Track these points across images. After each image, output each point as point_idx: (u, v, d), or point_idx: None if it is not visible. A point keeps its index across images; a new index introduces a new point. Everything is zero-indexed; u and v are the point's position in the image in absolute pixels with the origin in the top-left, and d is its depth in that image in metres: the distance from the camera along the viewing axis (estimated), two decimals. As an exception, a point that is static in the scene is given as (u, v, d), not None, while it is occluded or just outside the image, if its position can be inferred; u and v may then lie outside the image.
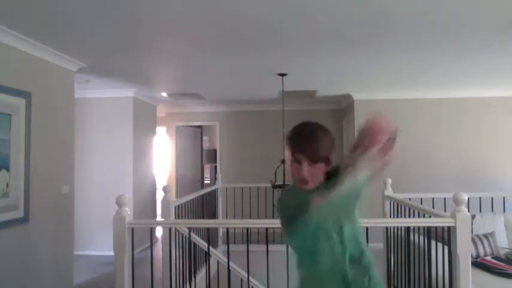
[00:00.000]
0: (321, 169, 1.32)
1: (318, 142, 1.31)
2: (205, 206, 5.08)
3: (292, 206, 1.36)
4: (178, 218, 3.74)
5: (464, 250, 2.38)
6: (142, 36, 3.32)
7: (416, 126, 6.04)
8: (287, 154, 1.39)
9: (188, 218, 4.09)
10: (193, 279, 3.60)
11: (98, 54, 3.87)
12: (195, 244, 3.57)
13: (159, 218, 6.37)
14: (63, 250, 3.89)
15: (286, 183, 4.50)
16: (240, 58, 4.03)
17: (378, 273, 1.42)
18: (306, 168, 1.31)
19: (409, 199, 3.60)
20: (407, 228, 2.87)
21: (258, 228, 3.46)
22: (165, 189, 3.59)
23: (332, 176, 1.34)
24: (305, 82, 5.32)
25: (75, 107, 4.28)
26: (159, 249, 4.11)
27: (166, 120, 7.90)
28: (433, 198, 3.95)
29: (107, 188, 5.44)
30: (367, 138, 1.12)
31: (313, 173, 1.32)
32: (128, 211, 2.50)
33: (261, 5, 2.63)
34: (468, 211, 2.43)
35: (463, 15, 2.84)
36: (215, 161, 8.03)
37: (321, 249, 1.34)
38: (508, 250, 3.92)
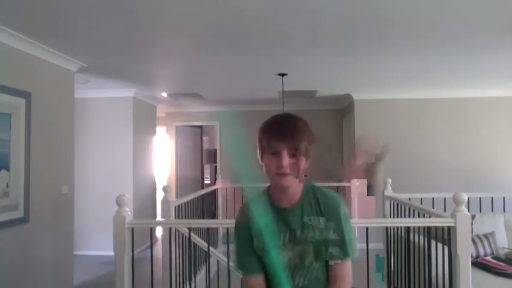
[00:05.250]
0: (301, 163, 1.19)
1: (300, 132, 1.20)
2: (205, 206, 5.07)
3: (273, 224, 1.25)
4: (178, 218, 3.74)
5: (464, 250, 2.37)
6: (143, 36, 3.32)
7: (416, 126, 6.04)
8: (260, 147, 1.24)
9: (188, 218, 4.09)
10: (193, 279, 3.60)
11: (98, 54, 3.87)
12: (195, 244, 3.57)
13: (159, 218, 6.36)
14: (63, 250, 3.89)
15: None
16: (240, 58, 4.03)
17: None
18: (286, 159, 1.17)
19: (409, 199, 3.60)
20: (407, 228, 2.87)
21: (258, 228, 3.44)
22: (165, 189, 3.59)
23: (311, 193, 1.28)
24: (305, 82, 5.31)
25: (75, 107, 4.28)
26: (159, 249, 4.11)
27: (166, 120, 7.89)
28: (433, 198, 3.94)
29: (106, 188, 5.44)
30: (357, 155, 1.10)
31: (293, 166, 1.18)
32: (128, 211, 2.50)
33: (261, 5, 2.63)
34: (468, 211, 2.42)
35: (463, 15, 2.84)
36: (215, 161, 8.03)
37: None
38: (508, 250, 3.91)
